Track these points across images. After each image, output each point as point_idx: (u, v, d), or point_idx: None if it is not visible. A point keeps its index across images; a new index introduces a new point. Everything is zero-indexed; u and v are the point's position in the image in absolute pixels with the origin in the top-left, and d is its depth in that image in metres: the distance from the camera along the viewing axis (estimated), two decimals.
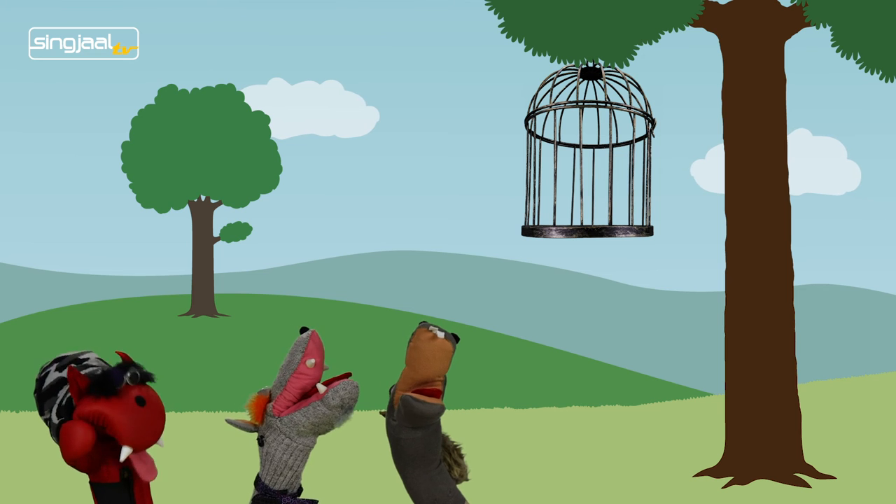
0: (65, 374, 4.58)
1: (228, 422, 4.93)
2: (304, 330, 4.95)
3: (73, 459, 4.43)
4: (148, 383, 4.59)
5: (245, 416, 4.93)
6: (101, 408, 4.38)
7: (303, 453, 4.83)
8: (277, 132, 34.79)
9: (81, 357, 4.69)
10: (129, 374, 4.47)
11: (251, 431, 4.91)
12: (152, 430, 4.51)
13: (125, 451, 4.42)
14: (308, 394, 4.84)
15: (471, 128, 45.95)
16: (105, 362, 4.70)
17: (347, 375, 4.92)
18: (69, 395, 4.53)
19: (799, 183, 34.87)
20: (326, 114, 36.17)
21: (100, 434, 4.44)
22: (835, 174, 35.93)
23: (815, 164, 35.41)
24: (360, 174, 42.70)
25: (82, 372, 4.50)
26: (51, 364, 4.70)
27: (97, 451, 4.51)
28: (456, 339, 4.96)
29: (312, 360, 4.81)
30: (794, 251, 7.39)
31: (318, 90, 36.36)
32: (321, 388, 4.81)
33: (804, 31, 7.15)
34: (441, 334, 4.87)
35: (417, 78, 43.31)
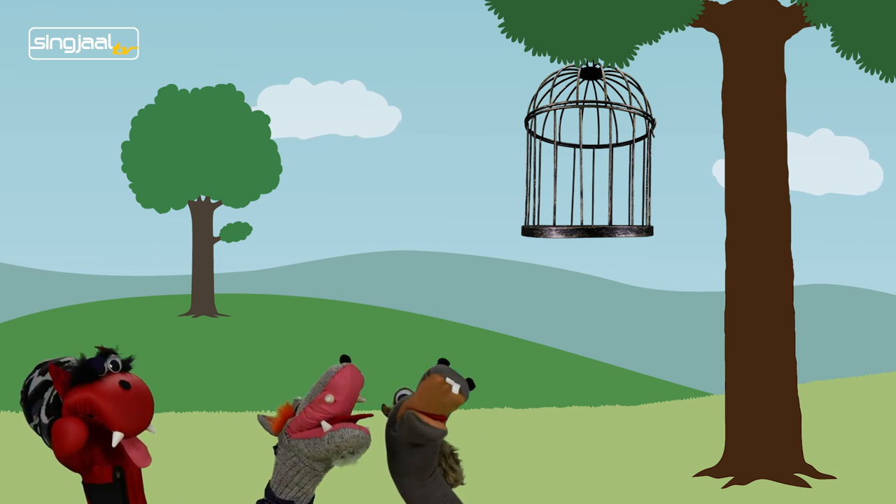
0: (48, 375, 4.58)
1: (259, 418, 4.88)
2: (344, 359, 4.81)
3: (65, 456, 4.41)
4: (130, 371, 4.57)
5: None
6: (86, 394, 4.36)
7: (310, 475, 4.73)
8: (299, 132, 34.90)
9: (62, 360, 4.66)
10: (109, 362, 4.46)
11: (273, 435, 4.89)
12: (140, 413, 4.46)
13: (116, 437, 4.38)
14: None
15: (471, 128, 45.97)
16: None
17: (366, 417, 4.75)
18: (55, 393, 4.53)
19: (821, 183, 34.99)
20: (348, 114, 36.06)
21: (92, 432, 4.42)
22: (857, 174, 35.88)
23: (837, 164, 35.38)
24: (364, 175, 42.73)
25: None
26: (33, 371, 4.70)
27: (88, 451, 4.50)
28: (471, 386, 4.88)
29: (331, 398, 4.64)
30: (795, 251, 7.39)
31: (340, 90, 36.27)
32: (325, 426, 4.62)
33: (806, 30, 7.15)
34: (456, 388, 4.78)
35: (439, 78, 43.34)
